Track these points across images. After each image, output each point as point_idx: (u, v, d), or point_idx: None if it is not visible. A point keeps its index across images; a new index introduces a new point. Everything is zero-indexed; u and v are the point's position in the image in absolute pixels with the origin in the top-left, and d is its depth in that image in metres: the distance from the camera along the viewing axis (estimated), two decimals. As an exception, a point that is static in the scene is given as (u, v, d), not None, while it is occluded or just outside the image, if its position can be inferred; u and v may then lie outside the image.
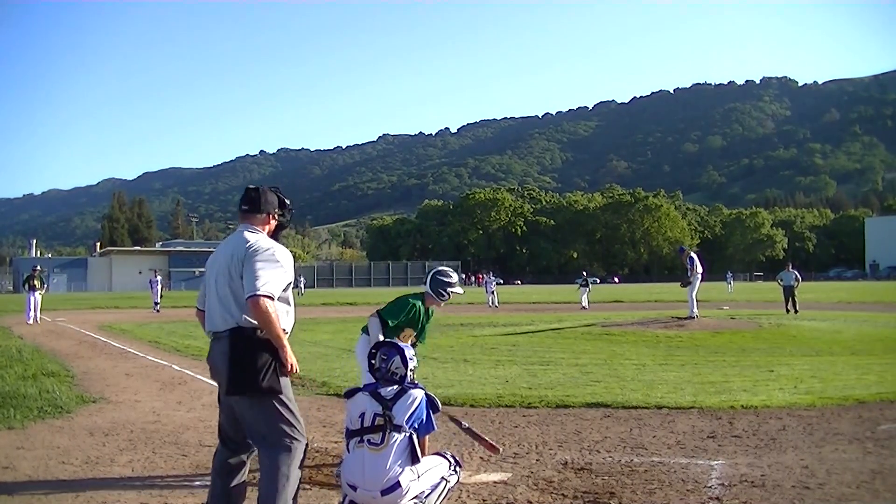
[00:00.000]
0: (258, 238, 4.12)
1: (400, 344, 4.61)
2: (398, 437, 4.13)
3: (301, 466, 4.03)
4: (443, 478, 4.32)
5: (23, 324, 23.17)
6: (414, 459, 4.16)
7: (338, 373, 11.07)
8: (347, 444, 4.26)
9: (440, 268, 5.97)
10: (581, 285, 34.57)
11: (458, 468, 4.48)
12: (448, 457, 4.48)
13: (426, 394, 4.36)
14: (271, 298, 3.89)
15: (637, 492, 5.14)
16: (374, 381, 4.44)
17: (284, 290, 4.07)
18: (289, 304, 4.13)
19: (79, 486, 5.42)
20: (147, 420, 7.91)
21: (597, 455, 6.19)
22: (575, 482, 5.41)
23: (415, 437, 4.19)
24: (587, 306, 32.61)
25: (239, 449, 4.17)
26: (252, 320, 3.92)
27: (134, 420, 7.90)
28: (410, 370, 4.46)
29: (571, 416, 7.86)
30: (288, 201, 4.44)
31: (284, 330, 4.01)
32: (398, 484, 4.06)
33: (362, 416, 4.22)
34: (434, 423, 4.34)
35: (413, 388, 4.34)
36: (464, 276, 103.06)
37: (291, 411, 4.02)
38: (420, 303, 5.80)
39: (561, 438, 6.81)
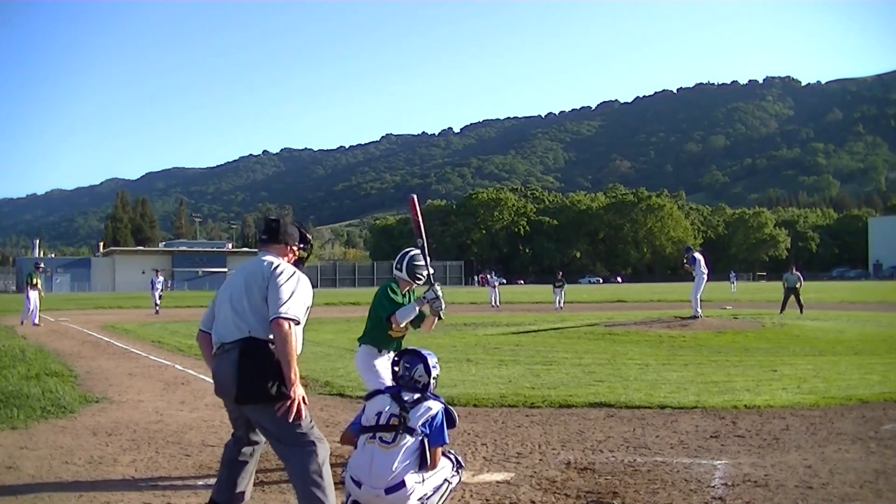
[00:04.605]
0: (281, 262, 4.16)
1: (423, 352, 4.63)
2: (409, 440, 4.18)
3: (326, 463, 3.99)
4: (446, 479, 4.36)
5: (25, 325, 22.91)
6: (422, 464, 4.20)
7: (341, 372, 11.08)
8: (357, 441, 4.31)
9: (411, 252, 5.93)
10: (556, 286, 34.13)
11: (460, 469, 4.50)
12: (451, 458, 4.50)
13: (445, 407, 4.41)
14: (296, 322, 3.92)
15: (640, 492, 5.14)
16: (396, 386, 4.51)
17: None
18: (299, 324, 4.09)
19: (82, 486, 5.42)
20: (150, 420, 7.91)
21: (600, 455, 6.19)
22: (578, 482, 5.41)
23: (426, 443, 4.22)
24: (557, 307, 32.42)
25: (252, 444, 4.21)
26: (261, 333, 3.95)
27: (137, 420, 7.90)
28: (433, 378, 4.51)
29: (574, 415, 7.86)
30: (310, 236, 4.48)
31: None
32: (403, 483, 4.10)
33: (379, 414, 4.28)
34: (447, 436, 4.36)
35: (434, 399, 4.40)
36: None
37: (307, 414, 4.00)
38: (397, 287, 5.81)
39: (564, 438, 6.81)
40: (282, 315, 3.86)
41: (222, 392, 4.08)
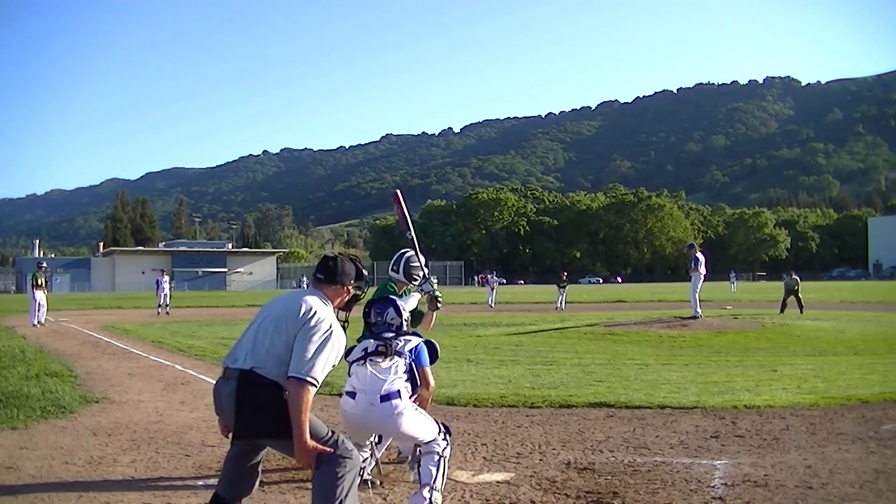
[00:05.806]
0: (324, 310, 3.93)
1: (391, 297, 4.87)
2: (399, 360, 4.40)
3: (352, 482, 3.85)
4: (440, 455, 4.50)
5: (27, 325, 22.73)
6: (413, 386, 4.43)
7: (340, 372, 11.02)
8: (349, 370, 4.52)
9: (407, 254, 6.01)
10: (560, 286, 33.74)
11: (448, 435, 4.64)
12: (438, 424, 4.64)
13: (425, 340, 4.65)
14: (314, 386, 3.73)
15: (640, 492, 5.14)
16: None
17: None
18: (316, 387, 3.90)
19: (82, 487, 5.42)
20: (150, 420, 7.91)
21: (600, 455, 6.19)
22: (578, 482, 5.41)
23: (414, 367, 4.46)
24: (558, 308, 32.20)
25: (258, 446, 4.13)
26: (269, 372, 3.78)
27: (137, 420, 7.90)
28: (405, 319, 4.70)
29: (574, 415, 7.85)
30: (366, 272, 4.29)
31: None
32: (398, 393, 4.28)
33: (365, 349, 4.48)
34: (427, 360, 4.61)
35: (411, 335, 4.63)
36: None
37: (318, 434, 3.83)
38: (394, 287, 5.93)
39: (564, 438, 6.81)
40: (301, 376, 3.68)
41: (221, 416, 4.00)
